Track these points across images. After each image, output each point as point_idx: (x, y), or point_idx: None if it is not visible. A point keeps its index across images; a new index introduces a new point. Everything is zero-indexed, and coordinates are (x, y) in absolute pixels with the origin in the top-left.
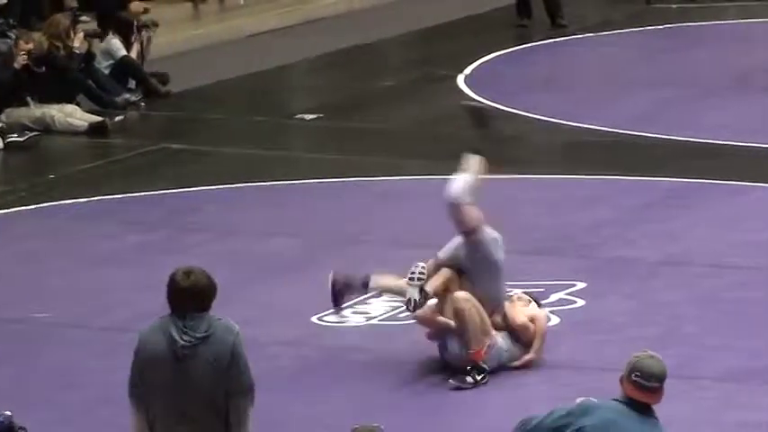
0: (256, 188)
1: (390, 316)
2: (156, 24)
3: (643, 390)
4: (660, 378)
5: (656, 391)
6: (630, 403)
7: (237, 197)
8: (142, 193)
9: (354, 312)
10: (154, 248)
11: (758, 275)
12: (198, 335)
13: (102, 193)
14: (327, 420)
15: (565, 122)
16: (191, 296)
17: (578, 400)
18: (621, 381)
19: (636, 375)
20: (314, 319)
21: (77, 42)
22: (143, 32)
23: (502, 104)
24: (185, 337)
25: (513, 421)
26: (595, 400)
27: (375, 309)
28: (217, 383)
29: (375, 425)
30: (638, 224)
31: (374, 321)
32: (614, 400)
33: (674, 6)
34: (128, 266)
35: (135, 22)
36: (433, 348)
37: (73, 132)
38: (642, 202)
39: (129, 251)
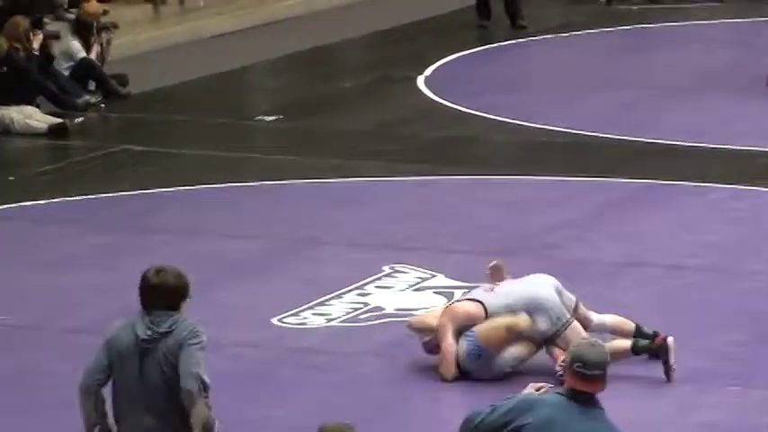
0: (217, 190)
1: (351, 317)
2: (115, 26)
3: (585, 379)
4: (602, 366)
5: (599, 380)
6: (574, 395)
7: (198, 199)
8: (102, 195)
9: (315, 314)
10: (114, 250)
11: (717, 276)
12: (160, 330)
13: (62, 195)
14: (288, 422)
15: (525, 123)
16: (158, 294)
17: (525, 391)
18: (564, 373)
19: (578, 366)
20: (274, 320)
21: (37, 44)
22: (103, 34)
23: (462, 106)
24: (148, 332)
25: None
26: (537, 395)
27: (335, 310)
28: (173, 378)
29: (346, 423)
30: (598, 225)
31: (335, 323)
32: (558, 393)
33: (634, 8)
34: (88, 268)
35: (94, 24)
36: (392, 349)
37: (32, 134)
38: (602, 202)
39: (89, 253)
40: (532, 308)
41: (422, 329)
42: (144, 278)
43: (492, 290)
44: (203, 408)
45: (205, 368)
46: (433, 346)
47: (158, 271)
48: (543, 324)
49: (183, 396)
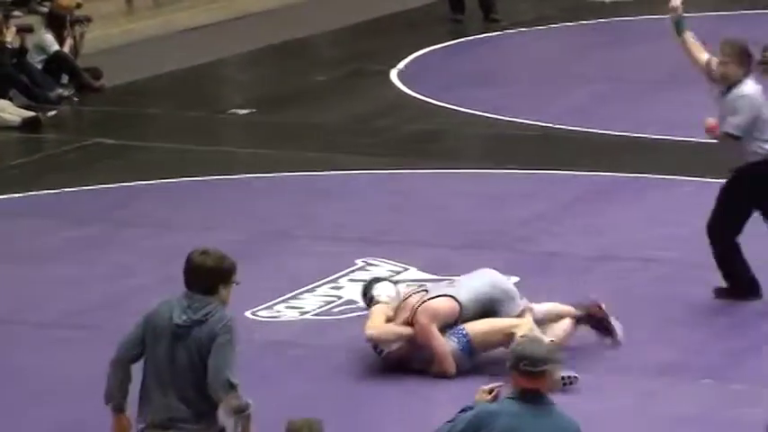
0: (190, 183)
1: (324, 311)
2: (89, 19)
3: (534, 376)
4: (546, 360)
5: (546, 375)
6: (524, 396)
7: (171, 192)
8: (75, 189)
9: (288, 307)
10: (88, 244)
11: (688, 270)
12: (195, 317)
13: (35, 189)
14: (260, 415)
15: (497, 117)
16: (196, 275)
17: (477, 397)
18: (510, 374)
19: (524, 364)
20: (247, 313)
21: (10, 37)
22: (76, 27)
23: (435, 99)
24: (183, 317)
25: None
26: (491, 407)
27: (309, 303)
28: (202, 368)
29: (314, 418)
30: (570, 218)
31: (308, 316)
32: (509, 398)
33: (607, 1)
34: (61, 262)
35: (68, 17)
36: (365, 342)
37: (5, 127)
38: (574, 196)
39: (62, 246)
40: (503, 296)
41: (391, 339)
42: (187, 258)
43: (452, 284)
44: (232, 400)
45: (234, 365)
46: (397, 357)
47: (202, 252)
48: (515, 310)
49: (210, 390)
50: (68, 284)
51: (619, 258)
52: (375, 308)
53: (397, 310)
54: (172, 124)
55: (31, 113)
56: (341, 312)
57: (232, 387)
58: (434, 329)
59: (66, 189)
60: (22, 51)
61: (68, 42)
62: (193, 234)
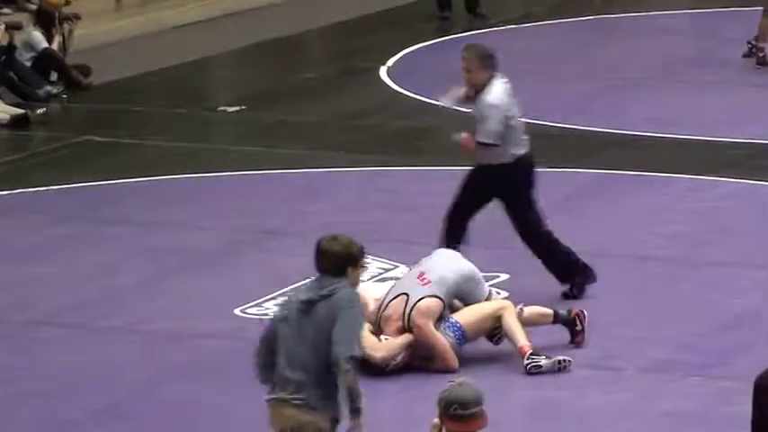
0: (179, 181)
1: None
2: (77, 17)
3: (466, 420)
4: (478, 401)
5: (479, 416)
6: None
7: (160, 190)
8: (64, 186)
9: (277, 305)
10: (76, 241)
11: (680, 267)
12: (319, 293)
13: (24, 186)
14: (250, 413)
15: None
16: (324, 259)
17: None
18: (441, 422)
19: (455, 408)
20: (237, 311)
21: None
22: (65, 24)
23: (424, 96)
24: (311, 294)
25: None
26: None
27: None
28: (326, 341)
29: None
30: (562, 216)
31: None
32: None
33: None
34: (50, 260)
35: (57, 14)
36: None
37: None
38: (565, 193)
39: (50, 244)
40: (471, 283)
41: (398, 353)
42: (317, 244)
43: (423, 279)
44: (349, 377)
45: (356, 338)
46: (402, 365)
47: (332, 238)
48: (485, 293)
49: (332, 361)
50: (55, 282)
51: (612, 256)
52: None
53: (381, 320)
54: (161, 122)
55: (20, 111)
56: None
57: (353, 355)
58: (433, 329)
59: (54, 187)
60: (10, 49)
61: (57, 40)
62: (182, 232)
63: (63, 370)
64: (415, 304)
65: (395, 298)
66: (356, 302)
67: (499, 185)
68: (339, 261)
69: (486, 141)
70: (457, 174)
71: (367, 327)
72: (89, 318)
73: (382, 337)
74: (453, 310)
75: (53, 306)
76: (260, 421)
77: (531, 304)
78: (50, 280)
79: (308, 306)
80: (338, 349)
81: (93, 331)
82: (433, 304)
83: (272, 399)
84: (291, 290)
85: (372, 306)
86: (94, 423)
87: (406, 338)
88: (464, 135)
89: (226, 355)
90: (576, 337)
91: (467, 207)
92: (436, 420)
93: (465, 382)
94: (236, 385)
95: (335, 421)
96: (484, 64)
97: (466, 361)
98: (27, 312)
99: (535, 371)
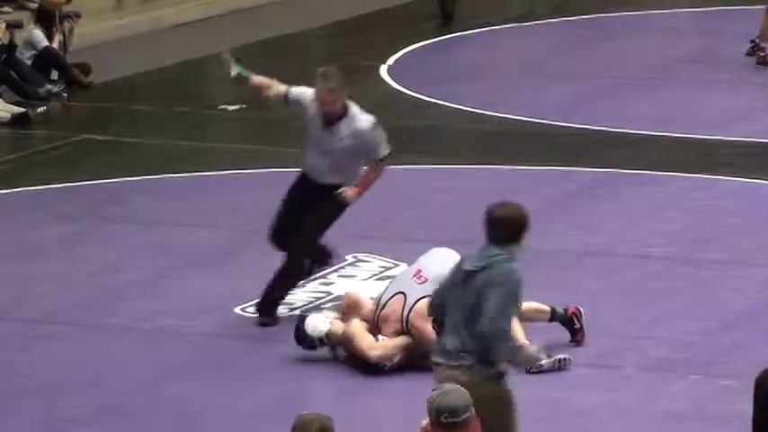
0: (179, 179)
1: (314, 306)
2: (78, 15)
3: (458, 427)
4: (467, 407)
5: (470, 421)
6: None
7: (160, 188)
8: (65, 185)
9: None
10: (76, 240)
11: (679, 265)
12: (480, 264)
13: (24, 185)
14: (250, 411)
15: (487, 113)
16: (496, 227)
17: None
18: (432, 429)
19: (445, 417)
20: (237, 309)
21: (0, 33)
22: (65, 23)
23: (424, 95)
24: (474, 263)
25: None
26: None
27: (298, 299)
28: (479, 314)
29: (324, 414)
30: (560, 214)
31: (297, 312)
32: None
33: None
34: (50, 258)
35: (57, 13)
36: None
37: None
38: (564, 192)
39: (51, 242)
40: None
41: (396, 354)
42: (487, 212)
43: (419, 277)
44: (503, 348)
45: (507, 314)
46: (398, 365)
47: (502, 205)
48: None
49: (481, 333)
50: (56, 280)
51: (611, 254)
52: (351, 328)
53: (379, 320)
54: (161, 120)
55: (21, 110)
56: (329, 308)
57: (503, 335)
58: (431, 329)
59: (54, 185)
60: (11, 47)
61: (58, 38)
62: (183, 230)
63: (63, 368)
64: (412, 306)
65: (392, 297)
66: (514, 277)
67: (331, 200)
68: (516, 227)
69: (383, 157)
70: (458, 172)
71: (364, 326)
72: (89, 316)
73: (380, 336)
74: None
75: (53, 304)
76: (260, 419)
77: (528, 300)
78: (51, 278)
79: (469, 275)
80: (483, 325)
81: (93, 329)
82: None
83: (437, 363)
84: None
85: (369, 305)
86: (94, 421)
87: (403, 340)
88: (350, 192)
89: (226, 353)
90: (576, 336)
91: (297, 219)
92: (425, 422)
93: (451, 389)
94: (236, 383)
95: (499, 377)
96: (345, 88)
97: None
98: (27, 310)
99: (535, 369)
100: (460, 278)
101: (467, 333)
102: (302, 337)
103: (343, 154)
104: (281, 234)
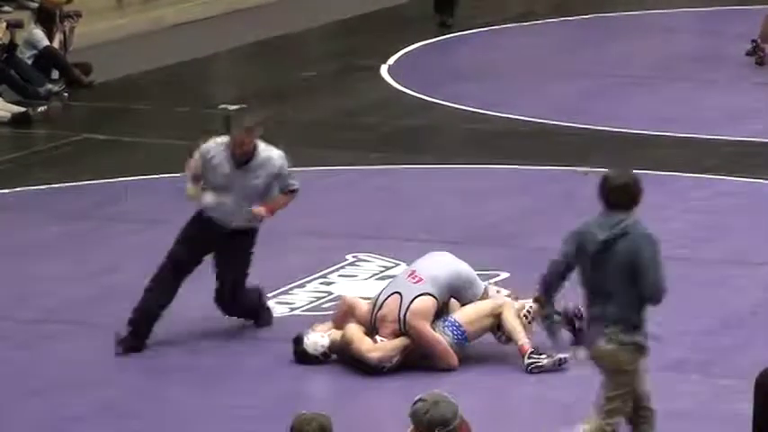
0: (179, 179)
1: (314, 306)
2: (79, 14)
3: None
4: (455, 414)
5: (461, 426)
6: None
7: (161, 188)
8: (65, 184)
9: (278, 303)
10: (77, 239)
11: (680, 265)
12: (616, 232)
13: (25, 184)
14: (251, 411)
15: (488, 112)
16: (617, 194)
17: None
18: None
19: (439, 429)
20: None
21: (0, 32)
22: (66, 22)
23: (425, 95)
24: (607, 232)
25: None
26: None
27: (299, 299)
28: (631, 273)
29: (323, 413)
30: (563, 214)
31: (298, 312)
32: None
33: None
34: (51, 257)
35: (58, 13)
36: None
37: None
38: (564, 191)
39: (52, 242)
40: (466, 284)
41: (395, 355)
42: (605, 180)
43: (414, 277)
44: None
45: (661, 272)
46: (398, 366)
47: (620, 173)
48: (479, 292)
49: (646, 296)
50: (56, 280)
51: None
52: (349, 331)
53: (376, 321)
54: (161, 120)
55: (21, 109)
56: (331, 308)
57: (665, 295)
58: (430, 330)
59: (55, 185)
60: (11, 47)
61: (58, 38)
62: None
63: (64, 367)
64: (408, 306)
65: (388, 297)
66: (653, 238)
67: (245, 243)
68: (634, 193)
69: (297, 186)
70: (458, 172)
71: (360, 329)
72: (89, 315)
73: (378, 338)
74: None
75: (54, 303)
76: (260, 419)
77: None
78: (51, 277)
79: (606, 245)
80: (647, 290)
81: (93, 328)
82: (426, 303)
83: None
84: (578, 227)
85: (366, 307)
86: (95, 420)
87: (402, 341)
88: (261, 209)
89: (227, 354)
90: (577, 336)
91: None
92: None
93: (439, 399)
94: (236, 383)
95: (641, 349)
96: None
97: (466, 360)
98: (28, 309)
99: (536, 370)
100: (595, 248)
101: (613, 301)
102: (305, 359)
103: (255, 191)
104: (184, 271)
